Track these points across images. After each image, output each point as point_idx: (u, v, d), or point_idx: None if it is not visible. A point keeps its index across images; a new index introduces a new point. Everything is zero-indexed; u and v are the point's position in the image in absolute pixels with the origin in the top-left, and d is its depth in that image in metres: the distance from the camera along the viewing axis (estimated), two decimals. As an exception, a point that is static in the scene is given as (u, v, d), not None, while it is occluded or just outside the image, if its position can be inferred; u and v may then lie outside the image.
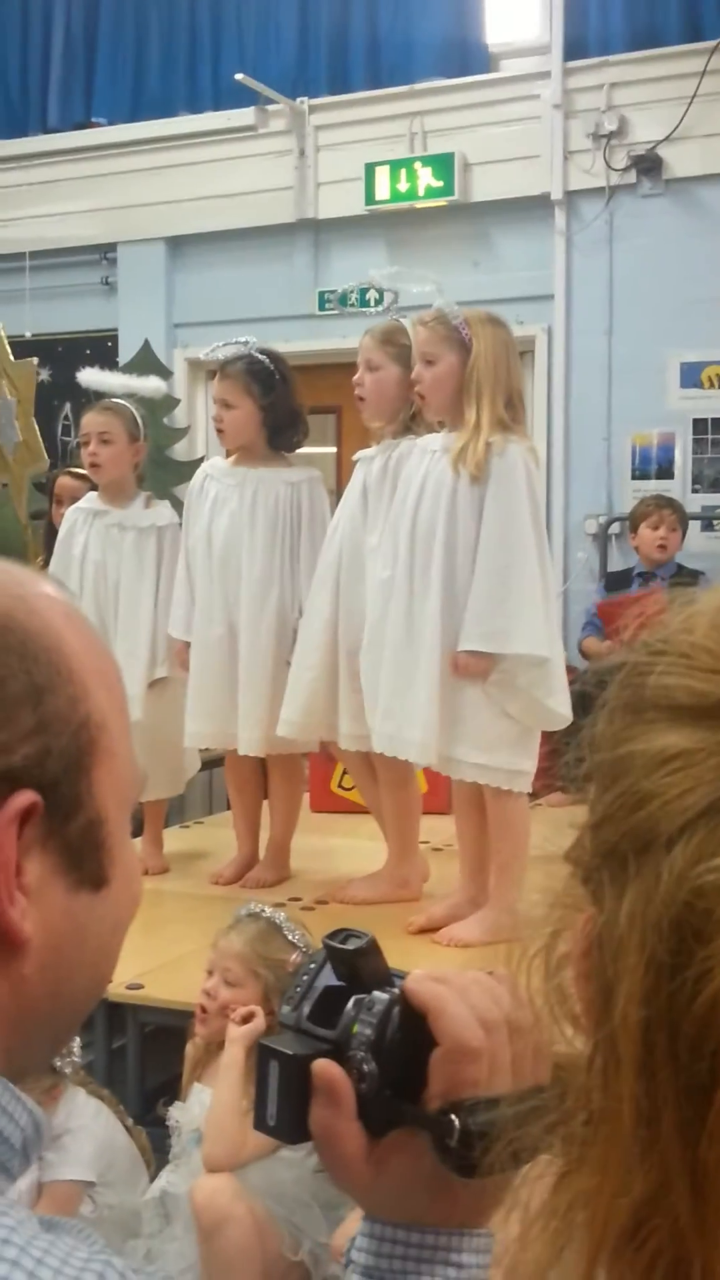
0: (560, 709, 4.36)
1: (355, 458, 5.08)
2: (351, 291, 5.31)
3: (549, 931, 0.82)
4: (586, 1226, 0.71)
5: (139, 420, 5.52)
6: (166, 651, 5.36)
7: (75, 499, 6.71)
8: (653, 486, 7.60)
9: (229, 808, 5.74)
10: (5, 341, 8.19)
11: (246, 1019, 3.34)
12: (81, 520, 5.58)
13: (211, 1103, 3.34)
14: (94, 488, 6.64)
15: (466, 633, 4.32)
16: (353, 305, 5.88)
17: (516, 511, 4.31)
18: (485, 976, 1.05)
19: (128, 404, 5.52)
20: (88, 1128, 3.55)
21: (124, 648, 5.28)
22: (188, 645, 5.25)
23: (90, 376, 5.69)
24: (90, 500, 5.63)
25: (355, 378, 4.88)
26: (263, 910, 3.54)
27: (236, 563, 5.15)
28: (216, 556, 5.20)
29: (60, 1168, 3.48)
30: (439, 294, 4.52)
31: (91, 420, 5.48)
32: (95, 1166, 3.51)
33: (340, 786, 6.56)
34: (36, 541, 7.33)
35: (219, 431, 5.30)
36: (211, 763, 6.03)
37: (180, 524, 5.43)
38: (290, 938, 3.44)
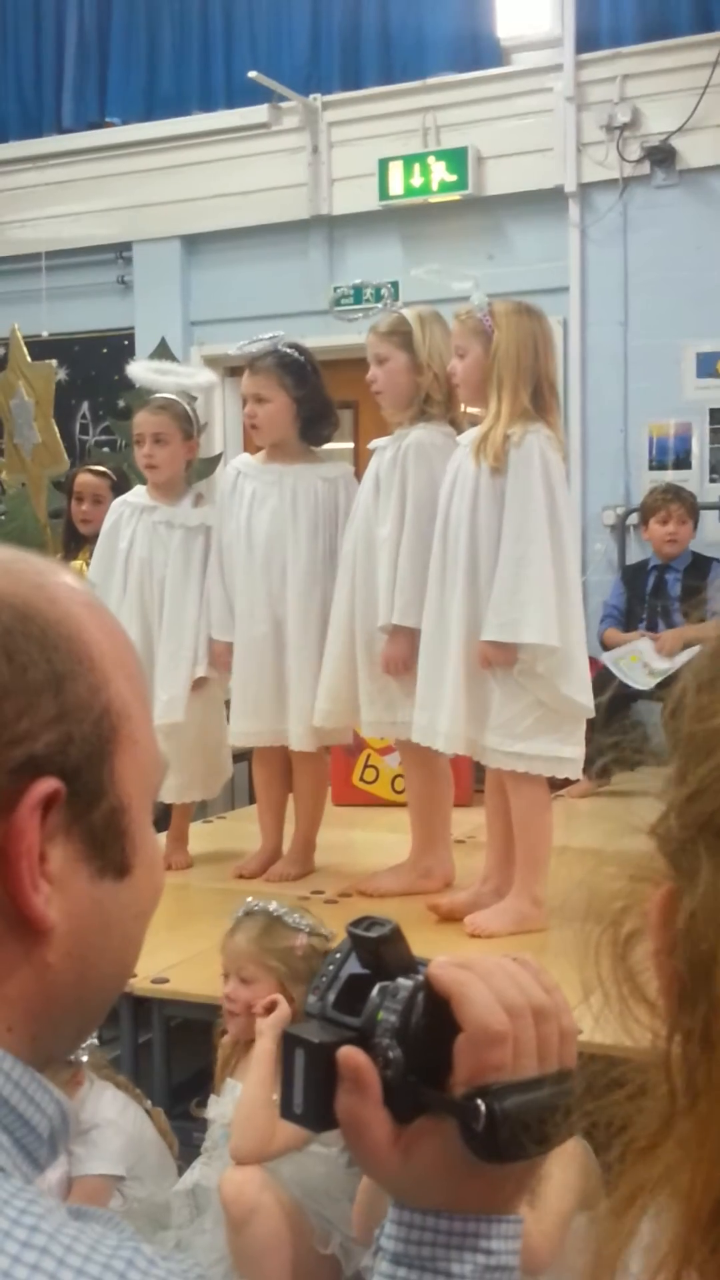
0: (578, 697, 4.37)
1: (370, 446, 5.09)
2: (366, 287, 5.31)
3: (617, 907, 0.82)
4: (681, 1200, 0.72)
5: (192, 416, 5.50)
6: (207, 651, 5.34)
7: (96, 495, 6.71)
8: (670, 477, 7.59)
9: (252, 802, 5.75)
10: (23, 344, 8.20)
11: (271, 1008, 3.35)
12: (128, 514, 5.51)
13: (240, 1095, 3.35)
14: (114, 484, 6.65)
15: (487, 623, 4.34)
16: (368, 300, 5.87)
17: (530, 501, 4.32)
18: (509, 962, 1.06)
19: (180, 400, 5.49)
20: (116, 1122, 3.57)
21: (169, 648, 5.26)
22: (228, 646, 5.26)
23: (139, 372, 5.65)
24: (138, 495, 5.57)
25: (369, 375, 4.89)
26: (257, 904, 3.55)
27: (281, 559, 5.14)
28: (259, 555, 5.17)
29: (89, 1162, 3.50)
30: (476, 289, 4.53)
31: (145, 421, 5.42)
32: (124, 1160, 3.53)
33: (362, 780, 6.57)
34: (55, 540, 7.34)
35: (252, 428, 5.25)
36: (234, 758, 6.04)
37: None
38: (291, 923, 3.47)
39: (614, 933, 0.82)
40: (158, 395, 5.50)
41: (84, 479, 6.90)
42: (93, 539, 6.11)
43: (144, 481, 5.58)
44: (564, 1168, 2.84)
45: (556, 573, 4.33)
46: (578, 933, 0.84)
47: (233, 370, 7.39)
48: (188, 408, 5.48)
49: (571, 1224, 3.00)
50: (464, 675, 4.41)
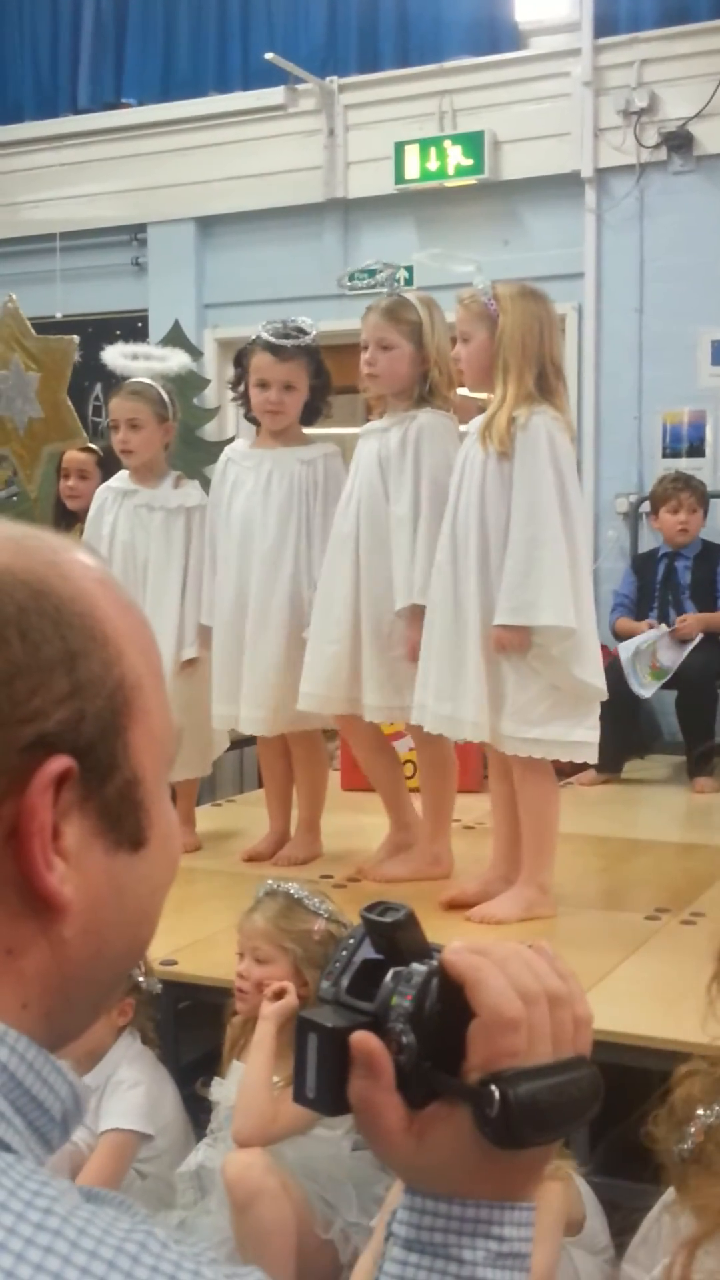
0: (592, 680, 4.35)
1: (362, 430, 5.03)
2: (379, 269, 5.26)
3: None
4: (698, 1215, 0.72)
5: (166, 400, 5.50)
6: (195, 632, 5.35)
7: (82, 471, 6.80)
8: (684, 465, 7.57)
9: (260, 786, 5.75)
10: (25, 319, 8.20)
11: (278, 995, 3.36)
12: (111, 499, 5.57)
13: (242, 1078, 3.36)
14: (101, 461, 6.69)
15: (500, 607, 4.31)
16: (381, 283, 5.83)
17: (539, 483, 4.29)
18: (524, 948, 1.05)
19: (155, 384, 5.50)
20: (146, 1083, 3.61)
21: (153, 628, 5.25)
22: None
23: (113, 358, 5.67)
24: (120, 480, 5.62)
25: (366, 356, 4.84)
26: (280, 886, 3.56)
27: (251, 542, 5.15)
28: (235, 538, 5.18)
29: (117, 1116, 3.53)
30: (478, 273, 4.50)
31: (118, 406, 5.47)
32: (152, 1123, 3.57)
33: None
34: (44, 517, 7.32)
35: (274, 413, 5.16)
36: (242, 741, 6.04)
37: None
38: (311, 907, 3.47)
39: None
40: (132, 380, 5.53)
41: (70, 455, 7.02)
42: (81, 515, 6.16)
43: None
44: (551, 1199, 2.84)
45: (569, 554, 4.31)
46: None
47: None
48: (161, 392, 5.49)
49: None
50: (484, 663, 4.38)
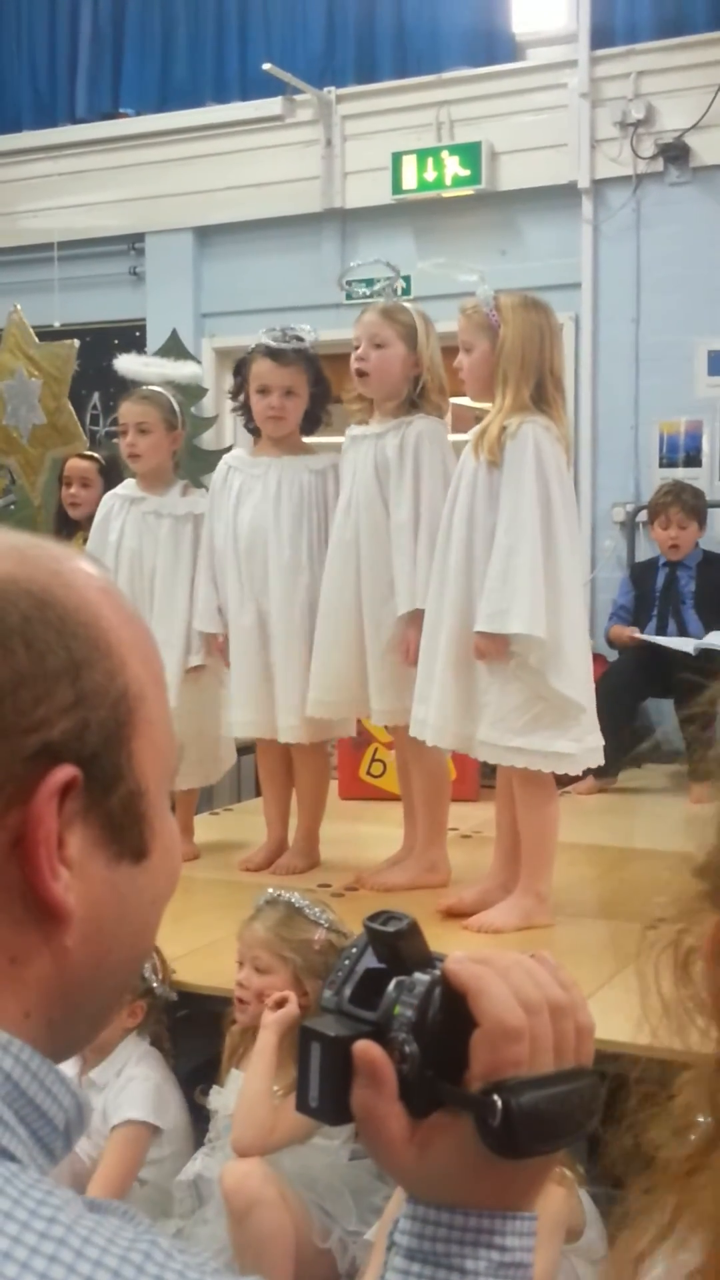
0: (567, 691, 4.30)
1: (354, 434, 5.02)
2: (379, 280, 5.27)
3: (677, 929, 0.83)
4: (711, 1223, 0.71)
5: (176, 408, 5.51)
6: (202, 639, 5.35)
7: (84, 479, 6.81)
8: (680, 475, 7.57)
9: (258, 794, 5.75)
10: (27, 324, 8.22)
11: (279, 1004, 3.36)
12: (118, 507, 5.56)
13: (242, 1088, 3.35)
14: (103, 469, 6.69)
15: (479, 614, 4.32)
16: (379, 294, 5.83)
17: (522, 492, 4.29)
18: (527, 958, 1.06)
19: (164, 392, 5.51)
20: (155, 1080, 3.62)
21: (160, 635, 5.21)
22: (214, 637, 5.27)
23: (126, 364, 5.69)
24: (128, 487, 5.62)
25: (358, 352, 4.84)
26: (280, 895, 3.56)
27: (263, 551, 5.13)
28: (243, 546, 5.17)
29: (130, 1108, 3.54)
30: (482, 282, 4.51)
31: (128, 410, 5.47)
32: (161, 1120, 3.57)
33: (369, 774, 6.57)
34: (47, 524, 7.34)
35: (276, 419, 5.16)
36: (239, 750, 6.04)
37: None
38: (311, 916, 3.47)
39: (674, 951, 0.83)
40: (143, 386, 5.55)
41: (73, 463, 7.03)
42: (83, 523, 6.16)
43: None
44: (552, 1203, 2.84)
45: (547, 563, 4.28)
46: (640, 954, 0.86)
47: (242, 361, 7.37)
48: (172, 399, 5.50)
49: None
50: (452, 668, 4.39)
